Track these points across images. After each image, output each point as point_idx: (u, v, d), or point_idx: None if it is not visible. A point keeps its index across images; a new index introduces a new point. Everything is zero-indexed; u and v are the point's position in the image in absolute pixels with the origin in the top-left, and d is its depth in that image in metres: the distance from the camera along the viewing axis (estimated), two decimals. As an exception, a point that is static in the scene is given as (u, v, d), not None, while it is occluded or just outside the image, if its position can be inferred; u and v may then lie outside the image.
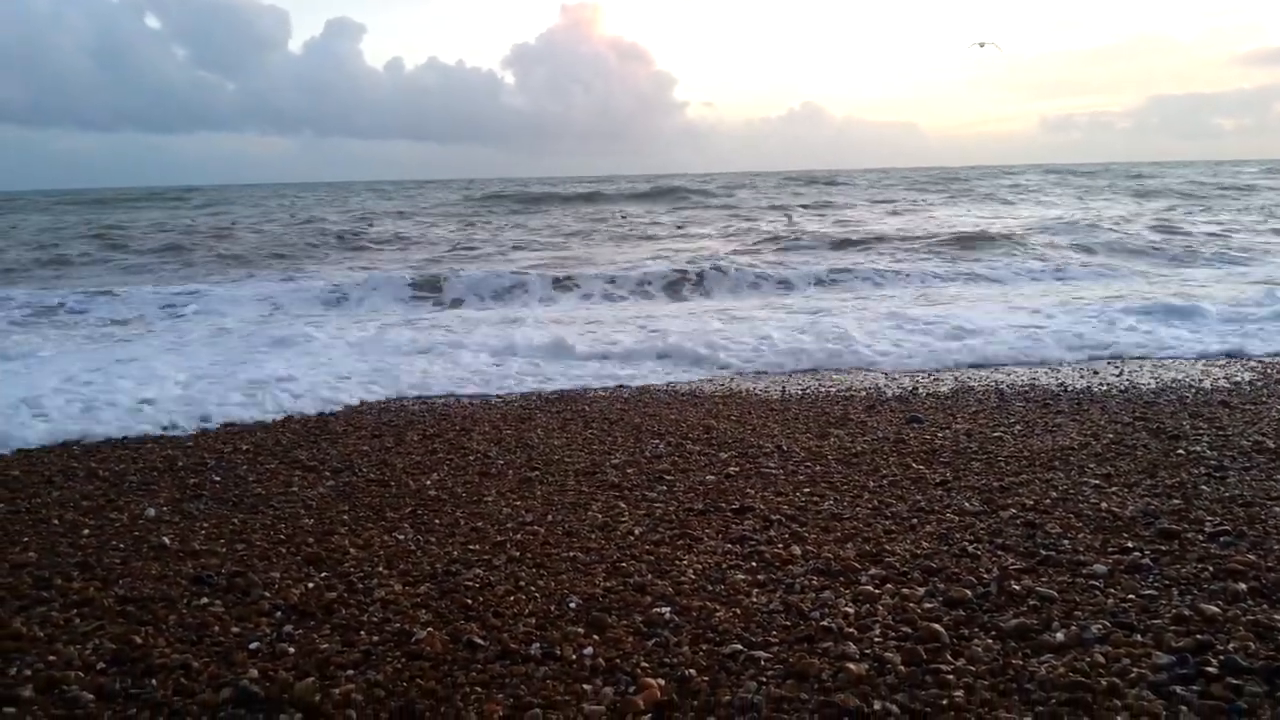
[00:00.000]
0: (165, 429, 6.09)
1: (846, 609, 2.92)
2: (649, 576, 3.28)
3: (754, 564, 3.40)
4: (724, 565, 3.39)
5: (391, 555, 3.62)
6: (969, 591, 3.02)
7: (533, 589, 3.21)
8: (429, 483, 4.73)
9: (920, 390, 6.96)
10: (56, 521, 4.23)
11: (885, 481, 4.57)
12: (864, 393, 6.92)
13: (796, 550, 3.52)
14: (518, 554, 3.60)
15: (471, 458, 5.23)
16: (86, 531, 4.06)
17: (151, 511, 4.37)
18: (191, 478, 4.95)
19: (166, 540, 3.89)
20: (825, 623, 2.81)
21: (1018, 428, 5.63)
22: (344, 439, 5.76)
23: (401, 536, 3.88)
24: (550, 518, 4.09)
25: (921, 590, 3.06)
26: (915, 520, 3.91)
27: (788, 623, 2.84)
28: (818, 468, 4.88)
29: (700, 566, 3.38)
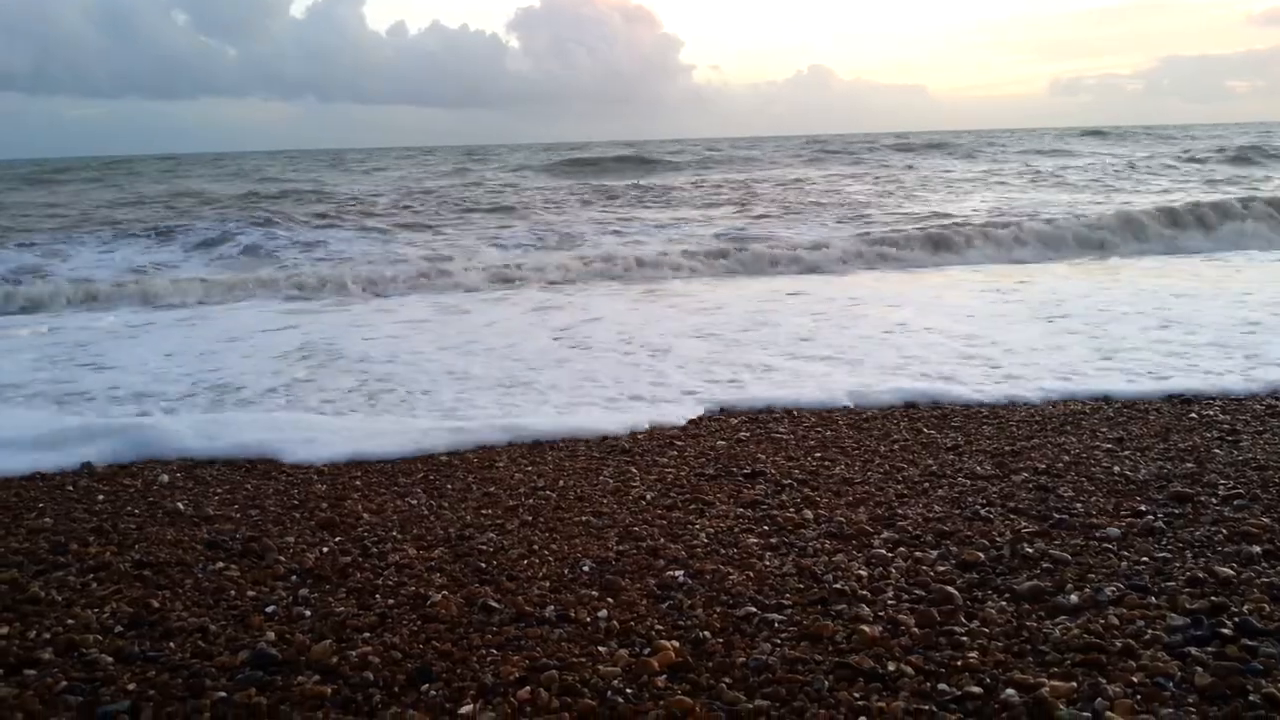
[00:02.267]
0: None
1: (860, 571, 2.92)
2: (661, 540, 3.29)
3: (766, 528, 3.40)
4: (736, 529, 3.39)
5: (405, 520, 3.63)
6: (982, 554, 3.02)
7: (546, 553, 3.22)
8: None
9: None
10: (71, 488, 4.26)
11: (896, 446, 4.56)
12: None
13: (809, 514, 3.52)
14: (530, 519, 3.61)
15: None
16: (101, 498, 4.09)
17: (165, 478, 4.39)
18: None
19: (181, 506, 3.92)
20: (839, 585, 2.81)
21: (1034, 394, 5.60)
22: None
23: (414, 501, 3.89)
24: (562, 483, 4.09)
25: (934, 553, 3.06)
26: (927, 484, 3.91)
27: (801, 585, 2.84)
28: (829, 433, 4.88)
29: (713, 530, 3.38)
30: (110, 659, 2.46)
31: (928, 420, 5.09)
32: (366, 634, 2.59)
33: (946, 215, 16.48)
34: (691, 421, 5.20)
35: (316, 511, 3.79)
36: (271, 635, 2.58)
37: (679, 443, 4.76)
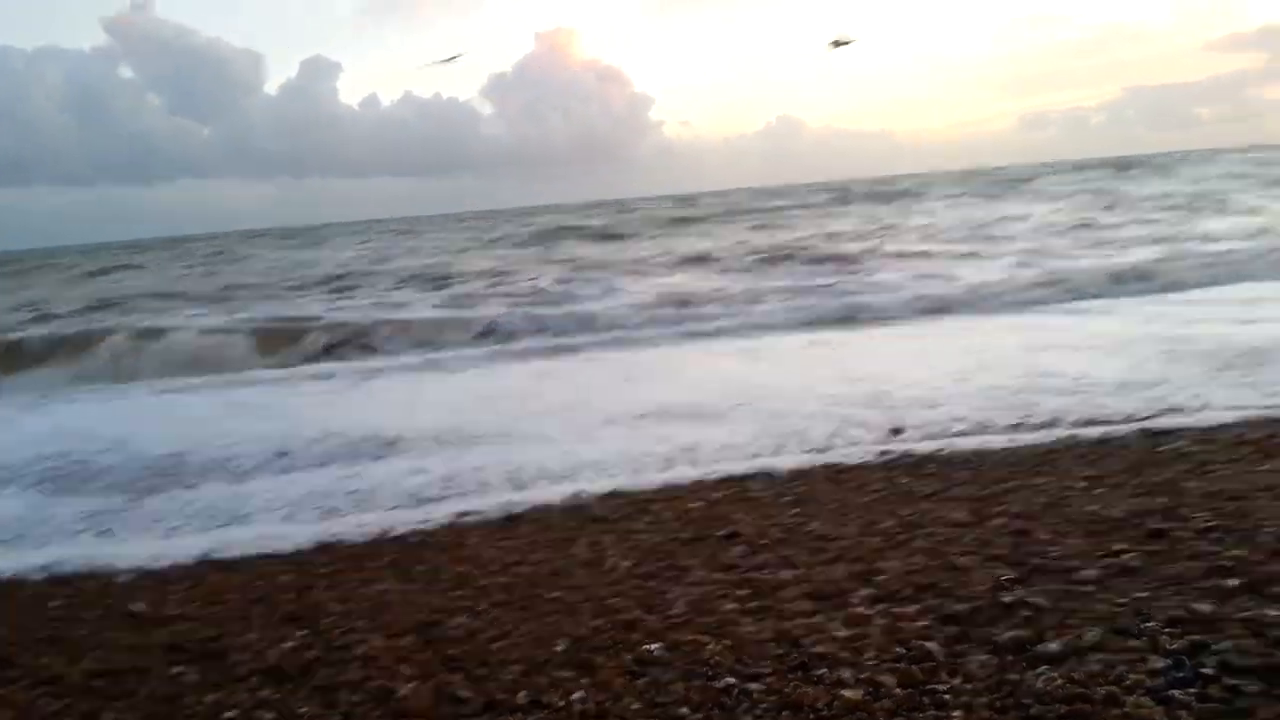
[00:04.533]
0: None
1: (839, 633, 2.85)
2: (638, 613, 3.21)
3: (744, 592, 3.33)
4: (714, 595, 3.32)
5: (373, 608, 3.53)
6: (961, 606, 2.97)
7: (518, 634, 3.12)
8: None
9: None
10: (24, 594, 4.12)
11: (873, 497, 4.52)
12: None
13: (786, 575, 3.45)
14: (504, 598, 3.51)
15: (452, 500, 5.14)
16: (56, 602, 3.95)
17: (123, 578, 4.25)
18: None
19: (139, 607, 3.79)
20: (818, 649, 2.74)
21: (1005, 435, 5.60)
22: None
23: (382, 587, 3.78)
24: (535, 556, 4.00)
25: (914, 608, 3.00)
26: (904, 535, 3.86)
27: (780, 651, 2.77)
28: (803, 487, 4.83)
29: (690, 598, 3.30)
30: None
31: (904, 468, 5.06)
32: (330, 736, 2.48)
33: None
34: (665, 483, 5.14)
35: (281, 604, 3.67)
36: (230, 744, 2.46)
37: (654, 506, 4.69)
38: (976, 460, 5.08)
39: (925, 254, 18.28)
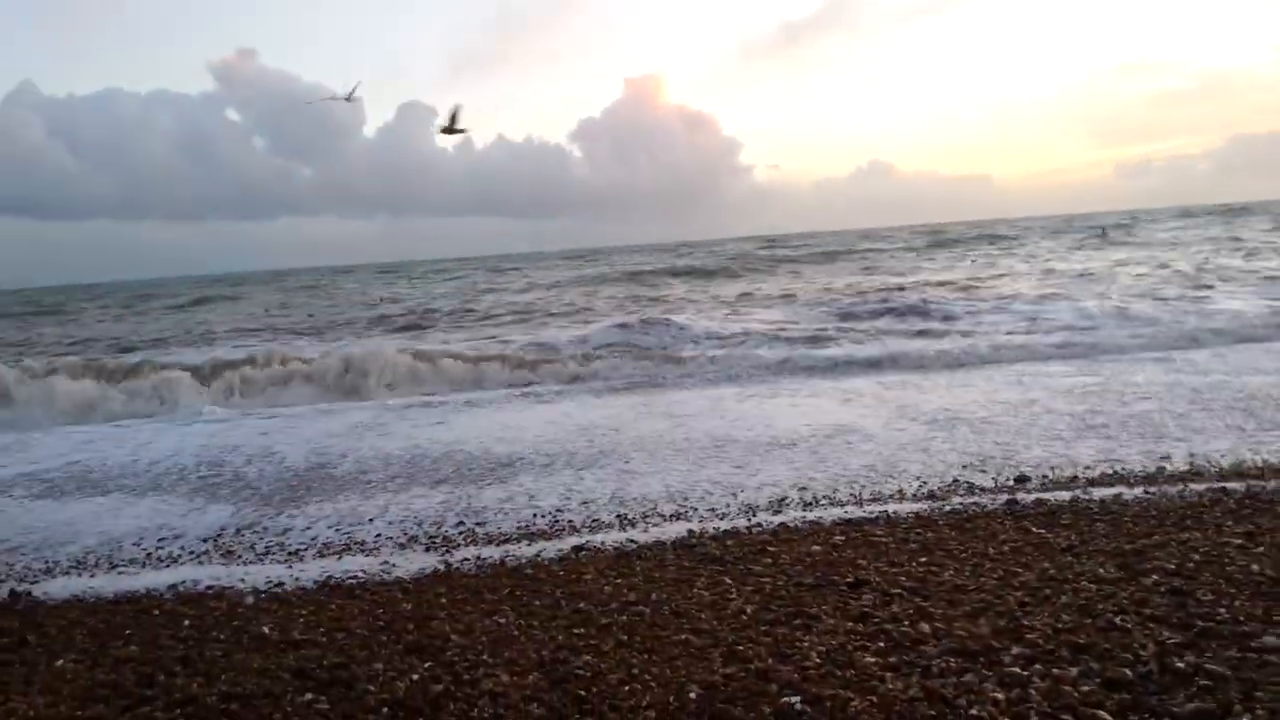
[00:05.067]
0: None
1: (995, 694, 2.66)
2: (770, 661, 3.07)
3: (882, 644, 3.16)
4: (849, 646, 3.16)
5: (494, 642, 3.48)
6: (1128, 671, 2.74)
7: (647, 677, 3.02)
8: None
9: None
10: (157, 612, 4.21)
11: (1006, 548, 4.29)
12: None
13: (925, 628, 3.27)
14: (625, 638, 3.42)
15: (566, 534, 5.08)
16: (187, 622, 4.02)
17: (250, 599, 4.32)
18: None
19: (266, 630, 3.82)
20: (974, 710, 2.56)
21: (1139, 488, 5.28)
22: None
23: (502, 620, 3.74)
24: (654, 596, 3.91)
25: (1074, 670, 2.79)
26: (1048, 590, 3.63)
27: (932, 712, 2.60)
28: (930, 535, 4.62)
29: (824, 648, 3.16)
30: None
31: (1034, 519, 4.80)
32: (468, 780, 2.42)
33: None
34: (783, 525, 5.00)
35: (403, 633, 3.66)
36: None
37: (772, 548, 4.55)
38: (1116, 511, 4.79)
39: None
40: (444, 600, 4.09)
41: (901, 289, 20.80)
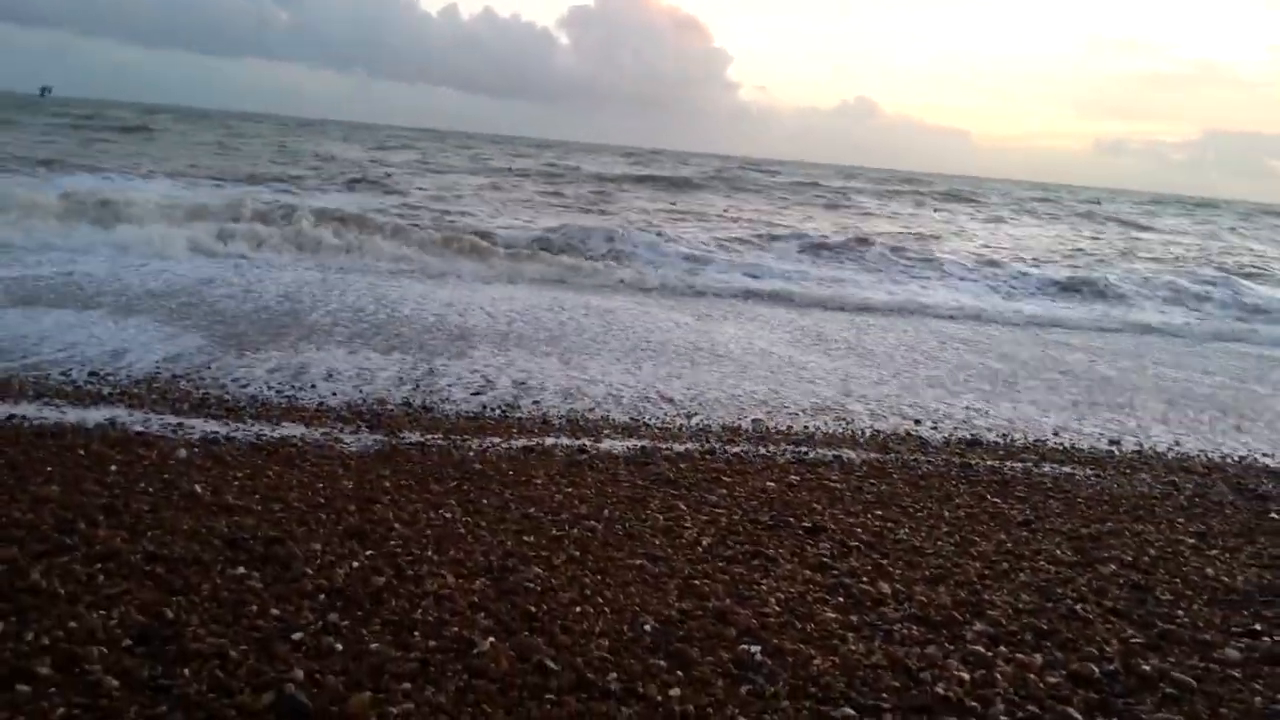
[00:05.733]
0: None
1: (961, 674, 2.58)
2: (728, 601, 2.97)
3: (841, 599, 3.08)
4: (809, 597, 3.07)
5: (440, 538, 3.32)
6: (1094, 667, 2.69)
7: (600, 600, 2.89)
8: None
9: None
10: (83, 452, 3.96)
11: (961, 513, 4.24)
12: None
13: (885, 588, 3.19)
14: (578, 554, 3.29)
15: (520, 433, 4.92)
16: (114, 468, 3.79)
17: (183, 452, 4.09)
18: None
19: (198, 488, 3.61)
20: (940, 689, 2.48)
21: (1089, 468, 5.29)
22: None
23: (449, 515, 3.58)
24: (606, 513, 3.78)
25: (1038, 658, 2.72)
26: (1006, 565, 3.59)
27: (896, 683, 2.51)
28: (884, 487, 4.56)
29: (783, 596, 3.05)
30: (116, 683, 2.14)
31: (988, 485, 4.76)
32: (407, 684, 2.27)
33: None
34: (736, 454, 4.91)
35: (344, 514, 3.48)
36: (299, 673, 2.25)
37: (726, 478, 4.45)
38: (1069, 491, 4.78)
39: None
40: (388, 484, 3.91)
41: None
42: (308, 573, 2.88)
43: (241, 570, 2.86)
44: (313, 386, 5.60)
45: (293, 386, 5.55)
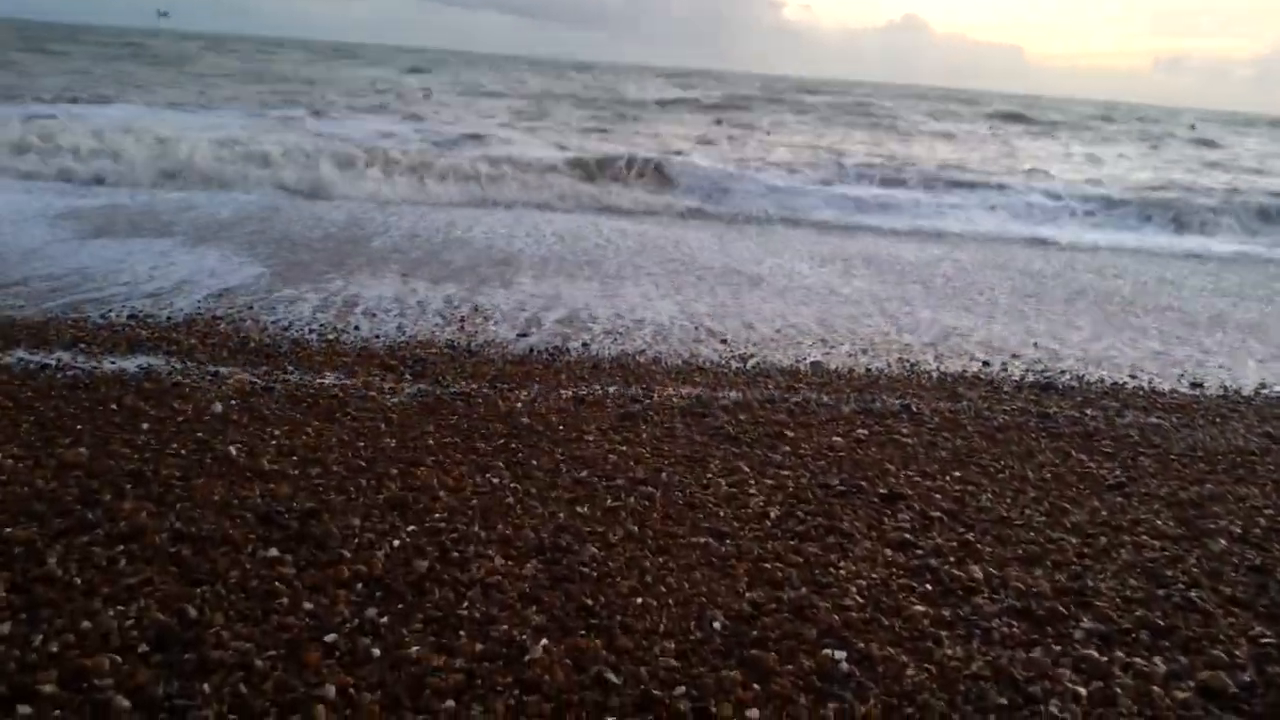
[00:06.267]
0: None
1: (1075, 685, 2.28)
2: (804, 589, 2.68)
3: (929, 586, 2.77)
4: (892, 584, 2.77)
5: (487, 510, 3.06)
6: (1226, 678, 2.36)
7: (662, 589, 2.62)
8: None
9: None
10: (115, 407, 3.76)
11: (1046, 474, 3.91)
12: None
13: (977, 572, 2.88)
14: (635, 529, 3.02)
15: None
16: (146, 425, 3.58)
17: (218, 406, 3.87)
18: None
19: (233, 450, 3.39)
20: (1054, 707, 2.17)
21: (1176, 415, 4.90)
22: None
23: (496, 480, 3.32)
24: (664, 476, 3.50)
25: (1161, 665, 2.41)
26: (1104, 539, 3.25)
27: (1003, 699, 2.22)
28: (959, 441, 4.22)
29: (864, 583, 2.76)
30: (127, 704, 1.92)
31: (1070, 439, 4.40)
32: (450, 701, 2.02)
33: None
34: (798, 404, 4.60)
35: (385, 480, 3.23)
36: (331, 690, 2.01)
37: (789, 432, 4.14)
38: (1159, 444, 4.41)
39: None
40: (431, 442, 3.67)
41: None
42: (344, 555, 2.64)
43: (274, 552, 2.64)
44: (356, 328, 5.37)
45: (335, 329, 5.32)
